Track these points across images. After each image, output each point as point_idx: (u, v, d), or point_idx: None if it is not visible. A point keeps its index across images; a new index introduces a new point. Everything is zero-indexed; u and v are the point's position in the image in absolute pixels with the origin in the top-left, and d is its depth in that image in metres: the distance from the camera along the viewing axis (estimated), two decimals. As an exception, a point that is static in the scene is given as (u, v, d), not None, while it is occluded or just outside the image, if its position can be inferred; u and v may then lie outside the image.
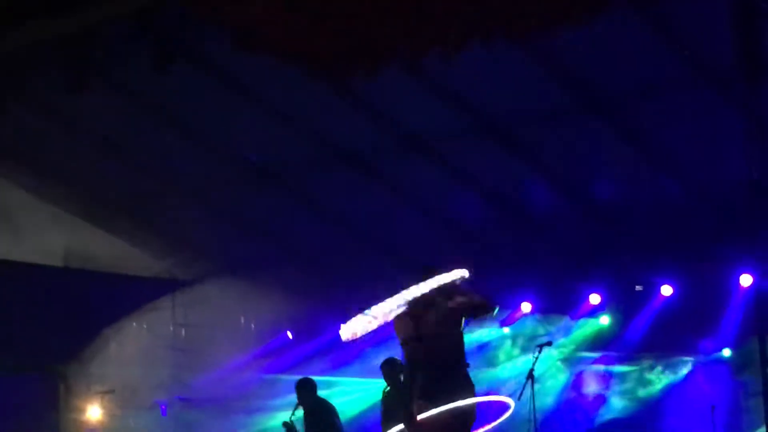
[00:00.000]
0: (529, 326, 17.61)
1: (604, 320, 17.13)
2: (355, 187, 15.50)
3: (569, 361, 17.65)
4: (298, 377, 14.48)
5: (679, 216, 14.72)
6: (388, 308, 8.89)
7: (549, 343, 13.69)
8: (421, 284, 8.88)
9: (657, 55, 12.00)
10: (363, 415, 17.66)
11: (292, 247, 17.29)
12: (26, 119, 14.04)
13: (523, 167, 14.65)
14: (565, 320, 17.35)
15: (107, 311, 17.76)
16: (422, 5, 9.88)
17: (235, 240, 17.21)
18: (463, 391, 9.06)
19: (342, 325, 9.02)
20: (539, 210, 15.61)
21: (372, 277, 14.95)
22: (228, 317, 18.70)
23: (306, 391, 14.10)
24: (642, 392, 17.11)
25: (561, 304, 17.16)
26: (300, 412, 14.19)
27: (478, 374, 17.61)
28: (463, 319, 9.27)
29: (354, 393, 18.19)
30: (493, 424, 9.46)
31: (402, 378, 10.06)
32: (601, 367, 17.55)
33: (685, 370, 16.92)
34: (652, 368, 17.16)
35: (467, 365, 9.30)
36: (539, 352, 13.12)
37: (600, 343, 17.40)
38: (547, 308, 17.24)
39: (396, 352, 11.43)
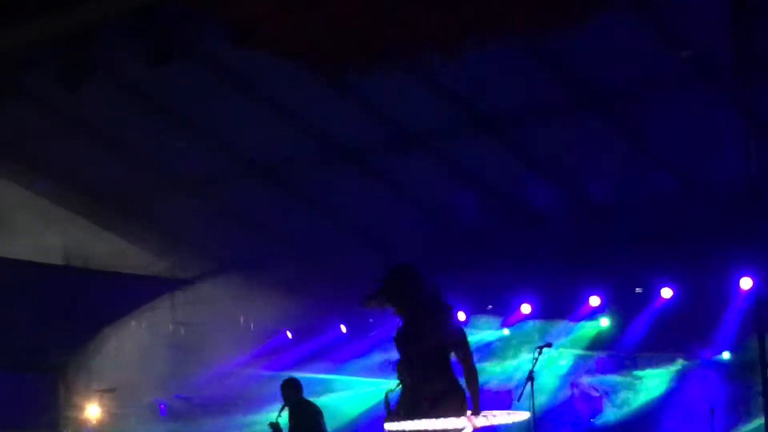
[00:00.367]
0: (529, 327, 17.56)
1: (604, 322, 17.07)
2: (354, 185, 15.52)
3: (569, 362, 17.60)
4: (300, 376, 14.50)
5: (679, 217, 14.69)
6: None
7: (549, 345, 13.63)
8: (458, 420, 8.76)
9: (654, 53, 11.97)
10: (364, 414, 17.67)
11: (291, 245, 17.27)
12: (25, 116, 14.03)
13: (522, 165, 14.65)
14: (565, 322, 17.30)
15: (107, 310, 17.79)
16: (421, 3, 9.87)
17: (234, 238, 17.20)
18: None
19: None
20: (538, 209, 15.60)
21: (371, 276, 14.93)
22: (227, 316, 18.68)
23: (290, 391, 14.15)
24: (641, 394, 17.04)
25: (561, 305, 17.11)
26: (286, 413, 14.23)
27: (478, 375, 17.72)
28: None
29: (354, 392, 18.17)
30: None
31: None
32: (601, 369, 17.50)
33: (684, 373, 16.86)
34: (651, 370, 17.10)
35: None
36: (539, 353, 13.05)
37: (599, 344, 17.34)
38: (547, 310, 17.19)
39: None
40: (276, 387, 14.99)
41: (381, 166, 15.19)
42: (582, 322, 17.27)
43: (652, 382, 17.00)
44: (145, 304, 18.25)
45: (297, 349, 18.64)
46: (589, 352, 17.50)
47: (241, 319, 19.03)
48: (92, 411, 17.73)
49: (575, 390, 17.49)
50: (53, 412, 17.66)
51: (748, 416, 15.81)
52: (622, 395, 17.18)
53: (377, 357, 17.26)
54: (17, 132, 14.61)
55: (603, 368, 17.49)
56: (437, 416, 8.61)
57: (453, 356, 9.08)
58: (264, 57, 10.97)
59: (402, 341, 9.08)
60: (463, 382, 9.01)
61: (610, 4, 9.76)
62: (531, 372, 12.66)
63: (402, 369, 9.26)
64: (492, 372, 17.58)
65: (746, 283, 15.34)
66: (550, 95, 13.14)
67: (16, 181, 15.99)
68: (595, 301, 16.73)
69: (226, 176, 15.64)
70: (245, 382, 18.45)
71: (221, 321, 18.69)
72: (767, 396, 14.54)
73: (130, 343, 18.01)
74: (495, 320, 17.81)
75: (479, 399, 8.95)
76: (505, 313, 17.50)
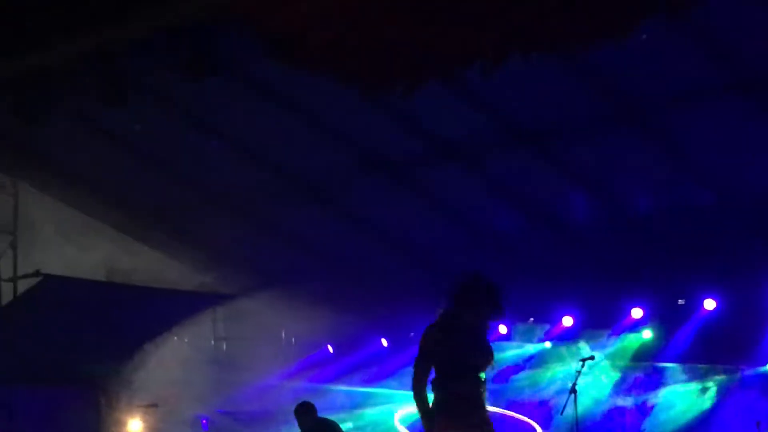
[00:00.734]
0: (572, 340, 17.50)
1: (647, 334, 17.00)
2: (394, 199, 15.50)
3: (612, 375, 17.53)
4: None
5: (720, 228, 14.61)
6: None
7: (591, 358, 13.60)
8: None
9: (692, 65, 11.90)
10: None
11: (332, 259, 17.28)
12: (66, 132, 14.08)
13: (562, 178, 14.60)
14: (608, 334, 17.23)
15: (148, 325, 17.83)
16: (462, 19, 9.84)
17: (275, 253, 17.22)
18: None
19: None
20: (578, 221, 15.54)
21: (411, 289, 14.93)
22: (269, 330, 18.74)
23: (304, 416, 14.11)
24: (685, 407, 16.94)
25: (603, 317, 17.06)
26: None
27: (521, 388, 17.68)
28: None
29: (395, 405, 18.14)
30: None
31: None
32: (644, 381, 17.41)
33: (729, 385, 16.74)
34: (695, 383, 16.99)
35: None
36: (582, 366, 13.02)
37: (643, 357, 17.26)
38: (590, 322, 17.13)
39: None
40: (318, 401, 14.97)
41: (421, 179, 15.18)
42: (624, 335, 17.21)
43: (697, 395, 16.89)
44: (187, 319, 18.29)
45: (338, 363, 18.67)
46: (632, 364, 17.43)
47: (283, 334, 19.08)
48: (134, 426, 17.79)
49: (618, 403, 17.42)
50: (95, 427, 17.69)
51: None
52: (666, 408, 17.08)
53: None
54: (59, 148, 14.69)
55: (646, 381, 17.41)
56: None
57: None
58: (304, 73, 10.95)
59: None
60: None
61: (650, 18, 9.68)
62: (574, 384, 12.64)
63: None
64: (535, 386, 17.54)
65: (790, 294, 15.26)
66: (588, 108, 13.08)
67: (58, 197, 16.08)
68: (637, 313, 16.66)
69: (268, 191, 15.65)
70: (287, 396, 18.42)
71: (263, 335, 18.74)
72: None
73: (172, 357, 18.06)
74: (537, 332, 17.78)
75: None
76: (547, 325, 17.45)
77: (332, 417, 14.64)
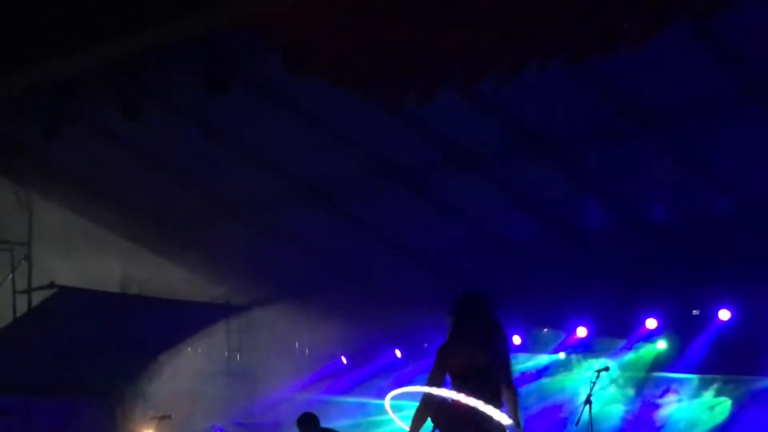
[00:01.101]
0: (586, 350, 17.48)
1: (662, 345, 16.98)
2: (409, 208, 15.48)
3: (626, 386, 17.49)
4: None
5: (736, 238, 14.58)
6: None
7: (606, 368, 13.58)
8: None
9: (709, 73, 11.87)
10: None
11: (346, 270, 17.27)
12: (82, 144, 14.12)
13: (578, 187, 14.58)
14: (622, 344, 17.20)
15: (162, 336, 17.86)
16: (479, 28, 9.85)
17: (289, 264, 17.22)
18: None
19: None
20: (593, 230, 15.52)
21: (426, 299, 14.91)
22: (283, 342, 18.73)
23: (307, 426, 14.06)
24: (700, 418, 16.90)
25: (617, 328, 17.03)
26: None
27: (536, 399, 17.65)
28: None
29: (408, 416, 18.09)
30: None
31: None
32: (659, 392, 17.37)
33: (744, 396, 16.69)
34: (710, 394, 16.95)
35: None
36: (597, 377, 12.99)
37: (657, 367, 17.22)
38: (604, 332, 17.11)
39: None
40: (332, 412, 14.99)
41: (436, 188, 15.17)
42: (639, 345, 17.18)
43: (712, 406, 16.85)
44: (201, 330, 18.31)
45: (352, 374, 18.64)
46: (646, 375, 17.39)
47: (297, 345, 19.08)
48: (149, 437, 17.79)
49: (633, 414, 17.39)
50: (110, 438, 17.74)
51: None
52: (682, 419, 17.04)
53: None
54: (75, 160, 14.72)
55: (661, 391, 17.38)
56: None
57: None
58: (320, 82, 10.97)
59: None
60: None
61: (668, 25, 9.68)
62: (589, 395, 12.60)
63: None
64: (549, 397, 17.52)
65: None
66: (604, 116, 13.06)
67: (72, 208, 16.10)
68: (651, 323, 16.63)
69: (282, 202, 15.65)
70: (301, 407, 18.32)
71: (277, 347, 18.73)
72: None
73: (186, 369, 18.07)
74: (551, 343, 17.76)
75: None
76: (562, 335, 17.43)
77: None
